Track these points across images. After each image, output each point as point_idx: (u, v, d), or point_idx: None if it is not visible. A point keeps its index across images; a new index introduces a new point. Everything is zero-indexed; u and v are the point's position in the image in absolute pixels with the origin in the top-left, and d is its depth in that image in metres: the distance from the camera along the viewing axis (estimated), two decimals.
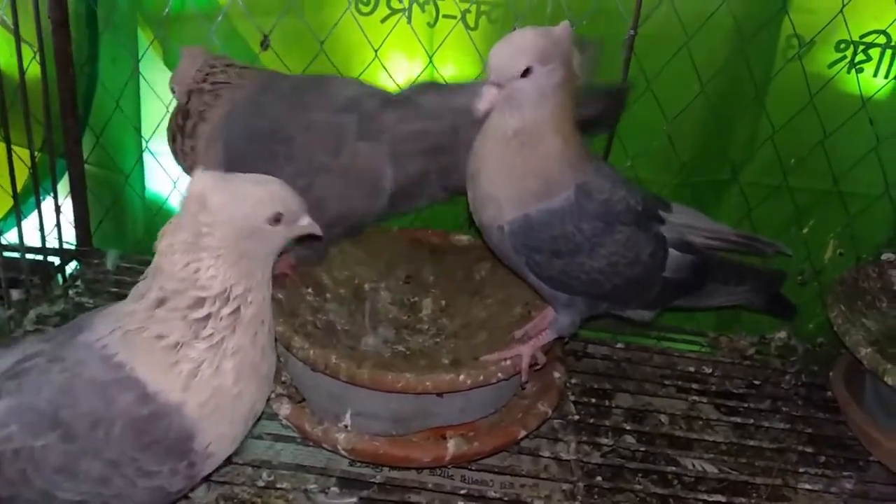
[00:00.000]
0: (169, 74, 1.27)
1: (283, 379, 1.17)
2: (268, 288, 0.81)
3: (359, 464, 1.15)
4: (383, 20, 1.41)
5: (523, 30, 0.96)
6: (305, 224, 0.81)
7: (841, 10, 1.34)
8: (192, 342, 0.77)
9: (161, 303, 0.77)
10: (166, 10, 1.38)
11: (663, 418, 1.36)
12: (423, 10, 1.40)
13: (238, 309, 0.77)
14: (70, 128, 1.46)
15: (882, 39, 1.39)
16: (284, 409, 1.08)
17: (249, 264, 0.77)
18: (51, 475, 0.76)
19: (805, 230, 1.53)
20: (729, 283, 1.16)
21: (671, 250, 1.08)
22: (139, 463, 0.77)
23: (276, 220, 0.77)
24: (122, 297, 1.33)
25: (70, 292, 1.41)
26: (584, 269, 1.03)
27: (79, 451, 0.75)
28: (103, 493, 0.77)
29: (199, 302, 0.76)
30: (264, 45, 1.41)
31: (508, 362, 1.07)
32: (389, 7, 1.40)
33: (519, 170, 0.99)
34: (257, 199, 0.76)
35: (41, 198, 1.48)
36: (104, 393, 0.76)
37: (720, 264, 1.13)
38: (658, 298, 1.13)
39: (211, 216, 0.75)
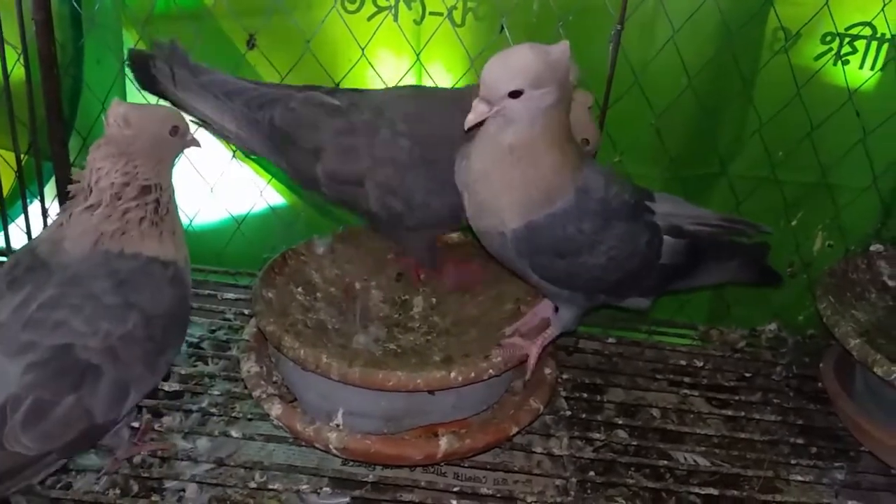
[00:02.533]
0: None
1: (274, 379, 1.17)
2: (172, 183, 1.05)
3: (351, 463, 1.15)
4: (370, 18, 1.41)
5: (521, 48, 0.94)
6: (189, 139, 1.07)
7: (826, 3, 1.35)
8: (156, 218, 0.99)
9: (117, 197, 0.97)
10: (151, 9, 1.37)
11: (655, 412, 1.37)
12: (409, 8, 1.39)
13: (168, 191, 1.02)
14: (56, 130, 1.45)
15: (868, 31, 1.40)
16: (276, 409, 1.08)
17: (161, 164, 1.01)
18: (137, 354, 0.95)
19: (794, 222, 1.53)
20: (721, 259, 1.18)
21: (665, 237, 1.09)
22: (180, 318, 1.03)
23: (174, 132, 1.02)
24: None
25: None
26: (586, 267, 1.04)
27: (146, 327, 0.95)
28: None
29: (146, 189, 0.99)
30: (250, 44, 1.41)
31: (500, 359, 1.07)
32: (376, 5, 1.40)
33: (519, 182, 0.98)
34: (161, 115, 1.03)
35: (28, 201, 1.47)
36: (146, 278, 0.97)
37: (711, 243, 1.15)
38: (656, 285, 1.14)
39: (132, 130, 0.97)
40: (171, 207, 1.02)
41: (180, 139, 1.04)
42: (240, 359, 1.18)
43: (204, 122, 1.24)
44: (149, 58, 1.22)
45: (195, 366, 1.36)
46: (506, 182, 0.99)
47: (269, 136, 1.19)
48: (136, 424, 1.13)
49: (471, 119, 0.94)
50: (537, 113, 0.94)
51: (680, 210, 1.13)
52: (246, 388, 1.14)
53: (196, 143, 1.09)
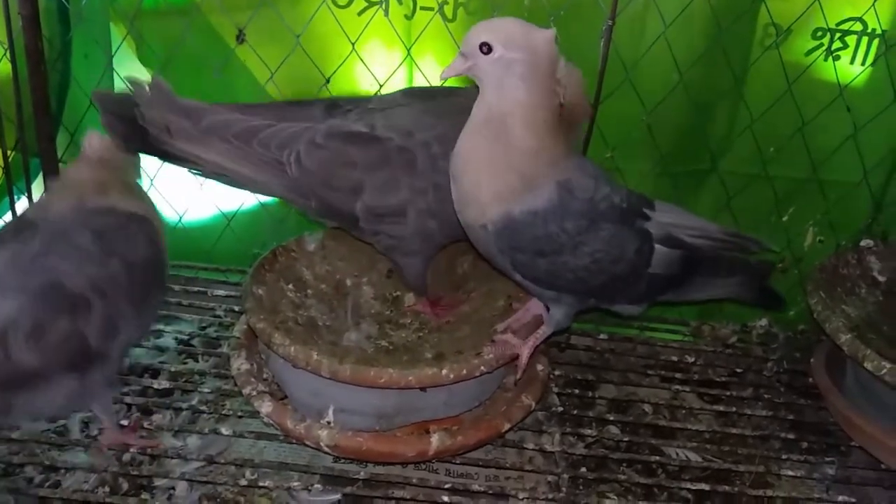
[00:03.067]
0: (142, 69, 1.25)
1: (264, 376, 1.16)
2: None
3: (342, 460, 1.14)
4: (360, 13, 1.40)
5: (507, 17, 0.96)
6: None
7: None
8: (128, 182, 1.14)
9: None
10: (139, 4, 1.36)
11: (647, 408, 1.37)
12: (400, 3, 1.39)
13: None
14: (43, 126, 1.43)
15: (858, 26, 1.40)
16: (266, 406, 1.07)
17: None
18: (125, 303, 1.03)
19: (785, 218, 1.54)
20: (718, 275, 1.15)
21: (657, 246, 1.07)
22: (158, 265, 1.12)
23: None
24: None
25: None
26: (568, 268, 1.03)
27: (128, 274, 1.03)
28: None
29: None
30: (240, 39, 1.39)
31: (491, 356, 1.07)
32: (366, 0, 1.39)
33: (495, 163, 0.98)
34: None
35: (16, 198, 1.46)
36: (122, 230, 1.06)
37: (708, 258, 1.12)
38: (645, 293, 1.12)
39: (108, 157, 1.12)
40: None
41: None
42: (230, 356, 1.18)
43: (214, 174, 1.12)
44: (125, 104, 1.07)
45: (185, 363, 1.35)
46: (484, 164, 0.98)
47: (297, 178, 1.07)
48: (124, 423, 1.12)
49: (447, 70, 0.95)
50: (508, 79, 0.92)
51: (681, 220, 1.11)
52: (236, 385, 1.13)
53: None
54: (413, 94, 1.22)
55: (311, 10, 1.37)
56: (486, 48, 0.91)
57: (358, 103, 1.17)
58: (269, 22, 1.37)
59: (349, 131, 1.10)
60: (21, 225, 1.06)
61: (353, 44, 1.38)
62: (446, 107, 1.15)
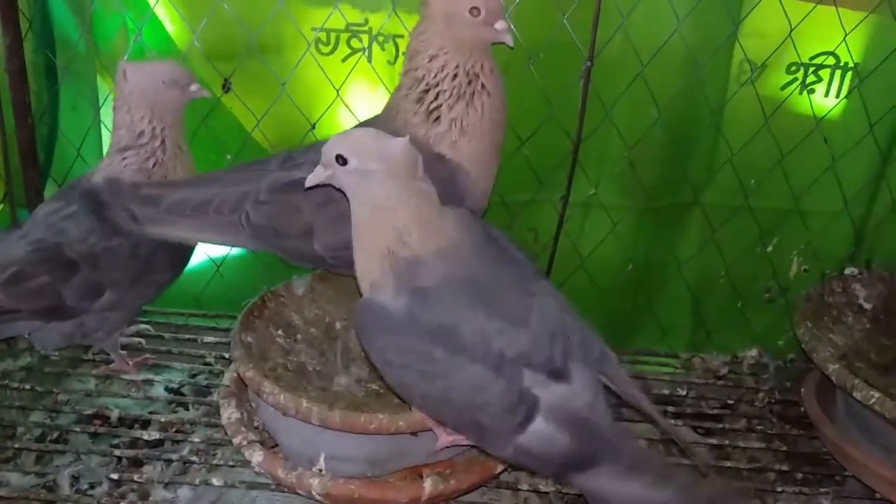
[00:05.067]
0: None
1: (255, 424, 1.16)
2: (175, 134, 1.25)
3: None
4: (344, 59, 1.42)
5: (366, 129, 0.98)
6: (195, 90, 1.22)
7: (789, 34, 1.38)
8: (146, 165, 1.22)
9: (119, 144, 1.22)
10: (125, 57, 1.38)
11: (641, 443, 1.36)
12: (382, 49, 1.41)
13: (164, 142, 1.22)
14: (31, 178, 1.44)
15: (831, 60, 1.44)
16: (257, 455, 1.06)
17: (154, 112, 1.20)
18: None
19: (769, 248, 1.55)
20: (629, 479, 0.93)
21: (540, 419, 0.91)
22: (170, 245, 1.22)
23: (170, 85, 1.20)
24: (87, 348, 1.32)
25: (35, 346, 1.38)
26: (411, 389, 0.95)
27: (133, 247, 1.20)
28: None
29: (140, 135, 1.21)
30: (226, 87, 1.41)
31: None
32: (349, 46, 1.42)
33: (360, 251, 0.96)
34: (152, 69, 1.20)
35: None
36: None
37: (611, 456, 0.92)
38: (512, 460, 0.98)
39: (128, 84, 1.19)
40: (162, 152, 1.21)
41: (179, 91, 1.20)
42: (220, 405, 1.17)
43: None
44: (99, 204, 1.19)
45: (175, 412, 1.34)
46: (357, 247, 0.97)
47: (253, 235, 1.14)
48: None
49: (309, 179, 0.97)
50: (364, 192, 0.92)
51: (626, 390, 1.00)
52: (227, 434, 1.12)
53: (203, 94, 1.24)
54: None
55: (296, 58, 1.39)
56: (341, 160, 0.93)
57: (309, 151, 1.20)
58: (255, 70, 1.40)
59: (289, 181, 1.14)
60: (76, 183, 1.25)
61: (337, 90, 1.41)
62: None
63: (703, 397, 1.42)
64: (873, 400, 1.09)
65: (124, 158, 1.21)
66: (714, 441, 1.31)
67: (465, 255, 0.95)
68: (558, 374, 0.92)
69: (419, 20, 1.12)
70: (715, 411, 1.39)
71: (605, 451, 0.92)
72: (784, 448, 1.29)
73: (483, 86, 1.11)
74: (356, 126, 1.24)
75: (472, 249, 0.96)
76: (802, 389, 1.31)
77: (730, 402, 1.41)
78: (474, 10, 1.08)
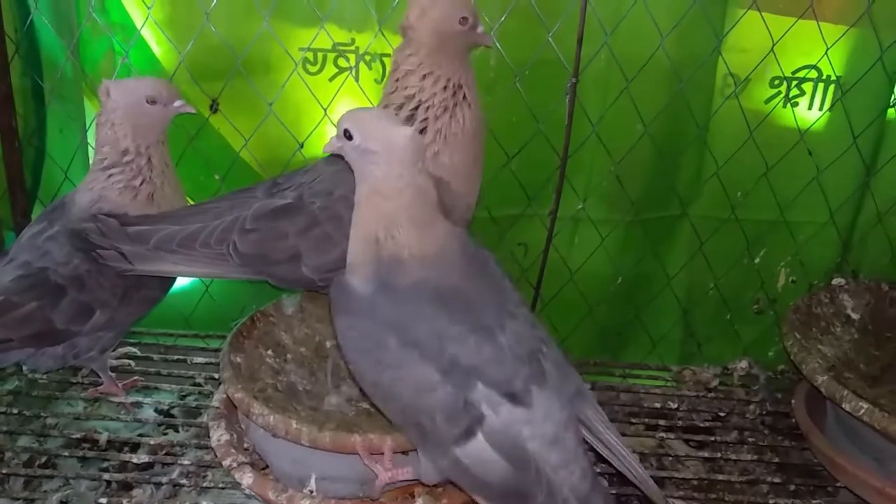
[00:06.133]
0: None
1: (245, 446, 1.15)
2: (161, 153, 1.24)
3: None
4: (331, 79, 1.43)
5: (380, 110, 1.01)
6: (178, 105, 1.21)
7: (772, 49, 1.40)
8: (134, 182, 1.22)
9: (102, 162, 1.21)
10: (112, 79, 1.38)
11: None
12: (369, 68, 1.42)
13: (150, 159, 1.22)
14: (18, 201, 1.44)
15: (814, 74, 1.46)
16: (247, 477, 1.05)
17: (138, 130, 1.19)
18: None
19: (757, 260, 1.56)
20: None
21: (481, 438, 0.88)
22: None
23: (153, 101, 1.19)
24: (77, 370, 1.31)
25: (23, 368, 1.37)
26: (367, 382, 0.95)
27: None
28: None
29: (124, 152, 1.20)
30: (213, 108, 1.42)
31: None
32: (336, 66, 1.42)
33: (354, 227, 0.96)
34: (134, 85, 1.20)
35: None
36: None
37: None
38: (450, 474, 0.93)
39: (112, 101, 1.18)
40: (150, 170, 1.21)
41: (163, 107, 1.20)
42: (210, 427, 1.16)
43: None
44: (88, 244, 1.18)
45: (165, 434, 1.33)
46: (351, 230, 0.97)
47: (242, 264, 1.15)
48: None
49: (326, 147, 0.99)
50: (364, 166, 0.92)
51: (603, 432, 0.97)
52: (217, 456, 1.12)
53: (187, 110, 1.23)
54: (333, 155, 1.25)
55: (283, 78, 1.40)
56: (347, 135, 0.94)
57: (294, 176, 1.21)
58: (242, 90, 1.40)
59: (273, 208, 1.16)
60: (59, 204, 1.24)
61: (324, 109, 1.41)
62: None
63: (695, 410, 1.42)
64: (862, 411, 1.10)
65: (110, 176, 1.21)
66: (706, 454, 1.31)
67: (449, 267, 0.93)
68: (516, 398, 0.88)
69: (404, 42, 1.12)
70: (707, 424, 1.39)
71: (544, 495, 0.88)
72: (776, 460, 1.29)
73: (465, 97, 1.13)
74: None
75: (458, 263, 0.94)
76: (793, 401, 1.32)
77: (721, 414, 1.41)
78: (463, 20, 1.10)
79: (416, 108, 1.12)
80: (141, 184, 1.21)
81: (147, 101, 1.18)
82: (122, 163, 1.20)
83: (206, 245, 1.15)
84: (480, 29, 1.13)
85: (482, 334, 0.90)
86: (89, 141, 1.43)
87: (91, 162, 1.42)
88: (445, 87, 1.11)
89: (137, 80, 1.24)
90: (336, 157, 1.17)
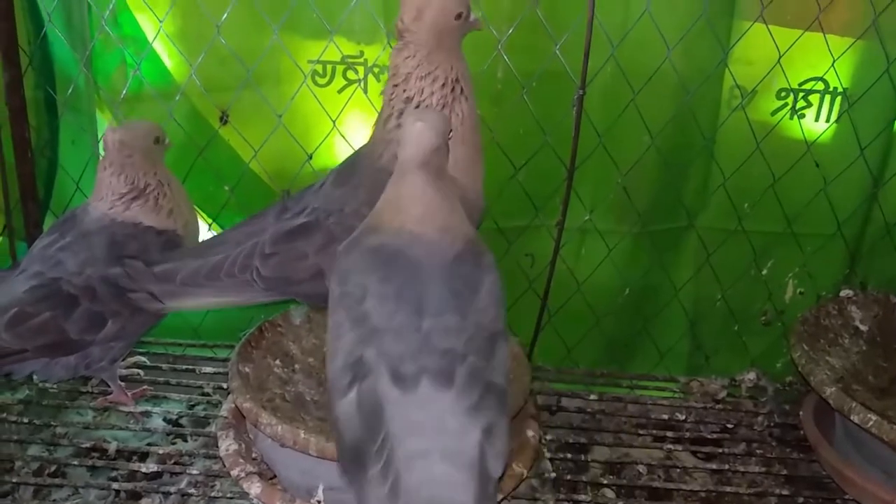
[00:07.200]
0: None
1: (253, 455, 1.15)
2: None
3: None
4: (340, 91, 1.44)
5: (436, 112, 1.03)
6: (168, 143, 1.30)
7: (778, 61, 1.40)
8: (151, 200, 1.26)
9: (147, 185, 1.26)
10: (124, 91, 1.40)
11: (641, 469, 1.36)
12: (378, 80, 1.43)
13: (162, 183, 1.27)
14: (31, 212, 1.46)
15: (820, 86, 1.46)
16: (255, 487, 1.06)
17: (150, 166, 1.26)
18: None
19: (764, 271, 1.56)
20: None
21: (353, 394, 0.86)
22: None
23: (158, 140, 1.27)
24: (86, 380, 1.32)
25: (34, 377, 1.38)
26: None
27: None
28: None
29: (145, 188, 1.26)
30: (223, 120, 1.43)
31: None
32: (345, 78, 1.44)
33: None
34: (145, 130, 1.26)
35: None
36: (136, 241, 1.23)
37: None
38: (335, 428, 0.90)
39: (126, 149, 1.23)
40: (167, 191, 1.26)
41: (163, 145, 1.28)
42: (218, 436, 1.17)
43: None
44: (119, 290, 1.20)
45: (174, 443, 1.34)
46: None
47: (267, 288, 1.17)
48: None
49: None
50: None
51: None
52: (225, 465, 1.12)
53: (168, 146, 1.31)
54: (339, 172, 1.24)
55: (293, 90, 1.41)
56: None
57: (302, 198, 1.22)
58: (252, 102, 1.42)
59: (289, 229, 1.16)
60: (70, 216, 1.27)
61: (333, 121, 1.43)
62: (363, 174, 1.19)
63: (703, 421, 1.42)
64: (871, 423, 1.09)
65: (134, 203, 1.25)
66: (714, 466, 1.31)
67: (424, 250, 0.89)
68: (398, 378, 0.83)
69: (400, 45, 1.11)
70: (714, 436, 1.38)
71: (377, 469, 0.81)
72: (784, 472, 1.28)
73: (462, 90, 1.12)
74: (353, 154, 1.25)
75: (435, 251, 0.90)
76: (801, 412, 1.31)
77: (729, 426, 1.41)
78: (458, 16, 1.11)
79: (416, 108, 1.12)
80: (162, 199, 1.26)
81: (154, 142, 1.26)
82: (144, 194, 1.25)
83: (231, 274, 1.16)
84: (472, 17, 1.13)
85: (405, 306, 0.86)
86: (101, 152, 1.44)
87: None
88: (444, 85, 1.11)
89: (142, 124, 1.28)
90: (343, 178, 1.19)
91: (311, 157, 1.45)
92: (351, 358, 0.87)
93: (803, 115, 1.47)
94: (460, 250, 0.91)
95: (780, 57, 1.40)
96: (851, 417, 1.12)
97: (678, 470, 1.34)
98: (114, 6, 1.37)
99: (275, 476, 1.13)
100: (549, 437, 1.30)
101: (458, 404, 0.83)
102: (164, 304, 1.18)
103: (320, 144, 1.45)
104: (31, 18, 1.43)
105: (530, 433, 1.18)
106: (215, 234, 1.53)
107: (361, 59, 1.43)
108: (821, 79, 1.45)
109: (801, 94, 1.46)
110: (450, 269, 0.90)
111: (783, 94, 1.46)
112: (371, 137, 1.19)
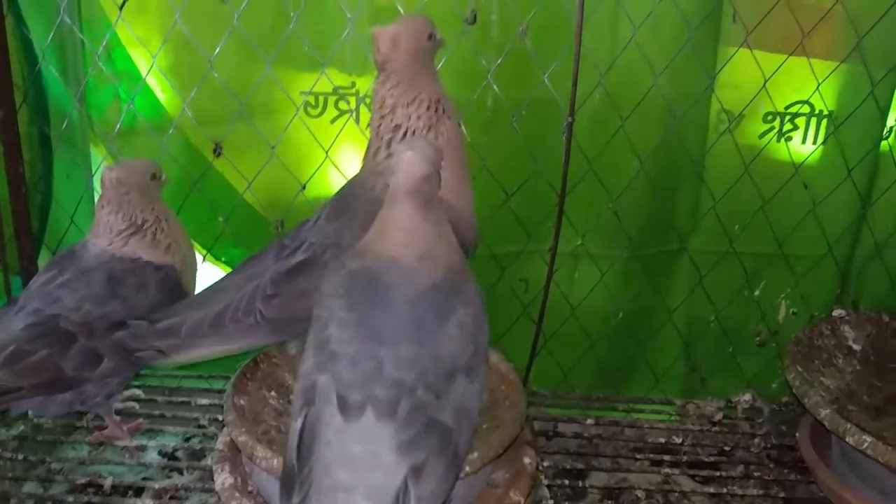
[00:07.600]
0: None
1: (249, 489, 1.14)
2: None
3: None
4: (332, 121, 1.46)
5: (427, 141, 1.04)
6: (164, 179, 1.31)
7: (763, 85, 1.42)
8: (149, 236, 1.26)
9: (145, 221, 1.26)
10: (118, 126, 1.41)
11: (639, 493, 1.35)
12: (370, 110, 1.44)
13: (159, 218, 1.28)
14: (25, 246, 1.46)
15: (806, 109, 1.48)
16: None
17: (147, 202, 1.26)
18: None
19: (757, 292, 1.57)
20: None
21: (300, 421, 0.86)
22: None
23: (154, 176, 1.27)
24: (82, 414, 1.31)
25: (29, 413, 1.37)
26: None
27: (128, 314, 1.19)
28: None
29: (142, 223, 1.26)
30: (217, 152, 1.44)
31: (477, 455, 1.05)
32: (337, 108, 1.45)
33: None
34: (143, 167, 1.27)
35: None
36: (134, 276, 1.23)
37: None
38: None
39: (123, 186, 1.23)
40: (165, 226, 1.27)
41: (158, 182, 1.30)
42: (214, 470, 1.16)
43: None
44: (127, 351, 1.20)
45: (169, 477, 1.33)
46: None
47: (272, 329, 1.16)
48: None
49: None
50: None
51: None
52: (221, 500, 1.12)
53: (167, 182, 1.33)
54: (333, 206, 1.24)
55: (286, 121, 1.42)
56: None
57: (298, 234, 1.22)
58: (245, 134, 1.43)
59: (288, 268, 1.16)
60: (69, 252, 1.27)
61: (326, 151, 1.44)
62: (357, 207, 1.19)
63: (700, 444, 1.42)
64: (866, 444, 1.09)
65: (132, 238, 1.25)
66: (712, 489, 1.30)
67: (400, 276, 0.88)
68: (345, 406, 0.82)
69: (382, 76, 1.12)
70: (712, 458, 1.38)
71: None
72: (782, 494, 1.28)
73: (444, 109, 1.14)
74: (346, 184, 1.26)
75: (412, 279, 0.88)
76: (797, 433, 1.31)
77: (726, 448, 1.41)
78: (430, 35, 1.12)
79: (404, 135, 1.13)
80: (160, 234, 1.27)
81: (151, 179, 1.27)
82: (142, 230, 1.26)
83: (236, 320, 1.15)
84: (438, 36, 1.15)
85: (365, 333, 0.85)
86: (95, 186, 1.45)
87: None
88: (428, 107, 1.13)
89: (139, 162, 1.29)
90: (337, 212, 1.20)
91: (304, 188, 1.46)
92: (307, 382, 0.87)
93: (790, 138, 1.49)
94: (439, 279, 0.89)
95: (766, 81, 1.42)
96: (846, 439, 1.12)
97: (676, 494, 1.34)
98: (107, 42, 1.39)
99: None
100: (546, 464, 1.30)
101: (395, 438, 0.81)
102: (172, 358, 1.17)
103: (313, 174, 1.46)
104: (25, 55, 1.44)
105: (527, 460, 1.18)
106: (211, 265, 1.54)
107: (353, 90, 1.44)
108: (806, 102, 1.47)
109: (787, 118, 1.48)
110: (422, 297, 0.88)
111: (770, 117, 1.48)
112: (361, 169, 1.20)
